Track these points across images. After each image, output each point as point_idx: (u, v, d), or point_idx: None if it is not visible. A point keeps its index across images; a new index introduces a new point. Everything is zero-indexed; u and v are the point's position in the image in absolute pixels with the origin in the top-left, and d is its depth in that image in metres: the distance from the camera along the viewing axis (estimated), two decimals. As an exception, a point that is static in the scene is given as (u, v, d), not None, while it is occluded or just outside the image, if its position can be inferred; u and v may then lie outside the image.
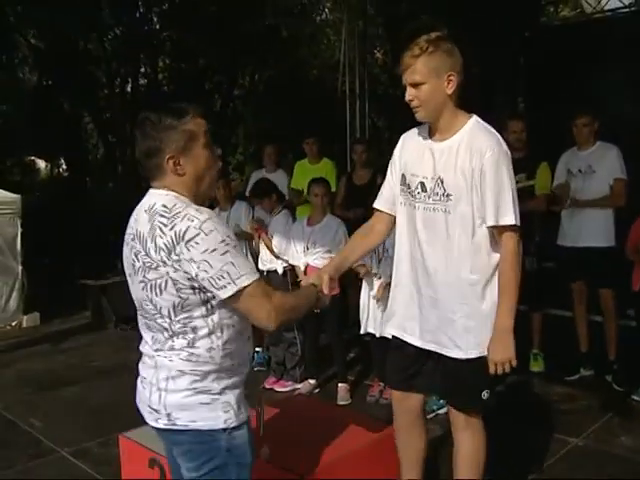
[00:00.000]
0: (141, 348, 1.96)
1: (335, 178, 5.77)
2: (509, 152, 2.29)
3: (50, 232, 9.25)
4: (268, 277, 4.61)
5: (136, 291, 1.86)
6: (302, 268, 4.33)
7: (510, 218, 2.24)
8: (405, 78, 2.25)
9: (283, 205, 4.89)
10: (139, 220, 1.81)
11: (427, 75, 2.21)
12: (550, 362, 4.71)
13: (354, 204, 5.09)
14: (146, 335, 1.91)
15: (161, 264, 1.73)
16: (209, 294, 1.75)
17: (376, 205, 2.57)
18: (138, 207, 1.87)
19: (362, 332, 4.22)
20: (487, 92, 9.33)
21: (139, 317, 1.92)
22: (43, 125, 11.70)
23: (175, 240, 1.69)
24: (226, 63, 12.27)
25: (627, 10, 7.39)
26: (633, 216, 4.27)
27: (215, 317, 1.79)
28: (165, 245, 1.71)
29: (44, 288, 7.19)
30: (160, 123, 1.78)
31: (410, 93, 2.26)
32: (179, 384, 1.79)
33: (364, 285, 4.15)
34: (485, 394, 2.37)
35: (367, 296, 4.12)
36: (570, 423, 3.83)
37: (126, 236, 1.88)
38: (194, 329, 1.78)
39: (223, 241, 1.70)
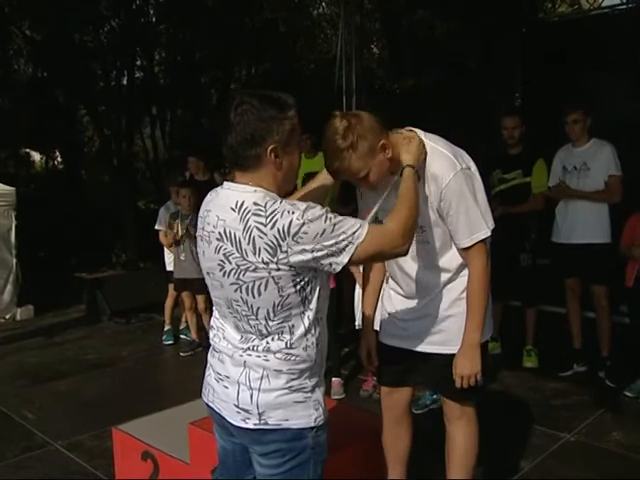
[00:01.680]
0: (217, 345, 1.88)
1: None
2: (464, 165, 2.22)
3: (45, 225, 9.24)
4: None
5: (225, 292, 1.77)
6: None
7: (482, 233, 2.24)
8: (349, 179, 2.16)
9: None
10: (226, 219, 1.71)
11: (366, 165, 2.09)
12: (544, 358, 4.73)
13: (349, 197, 5.08)
14: (230, 332, 1.83)
15: (262, 265, 1.67)
16: (308, 289, 1.73)
17: None
18: (217, 202, 1.79)
19: (357, 326, 4.22)
20: (484, 88, 9.33)
21: (225, 314, 1.84)
22: (38, 117, 11.64)
23: (280, 237, 1.64)
24: (222, 57, 12.23)
25: (624, 7, 7.39)
26: (629, 213, 4.28)
27: (311, 314, 1.77)
28: (268, 245, 1.65)
29: (38, 281, 7.18)
30: (264, 112, 1.70)
31: (362, 186, 2.23)
32: (275, 384, 1.76)
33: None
34: (481, 380, 2.38)
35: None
36: (562, 419, 3.86)
37: (204, 232, 1.80)
38: (291, 328, 1.75)
39: (327, 219, 1.68)
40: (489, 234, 2.27)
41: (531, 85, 7.55)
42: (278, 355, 1.75)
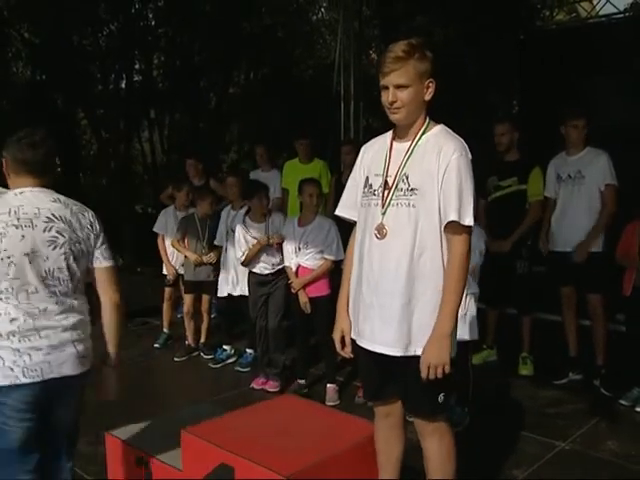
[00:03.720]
0: (42, 323, 2.24)
1: (329, 178, 5.75)
2: (471, 157, 2.30)
3: (42, 228, 9.20)
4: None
5: (51, 263, 2.23)
6: (294, 269, 4.32)
7: (470, 220, 2.25)
8: (389, 80, 2.26)
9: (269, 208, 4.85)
10: (51, 207, 2.26)
11: (413, 79, 2.25)
12: (539, 366, 4.72)
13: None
14: (48, 302, 2.25)
15: (84, 237, 2.33)
16: None
17: (350, 216, 2.52)
18: (29, 199, 2.25)
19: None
20: (482, 94, 9.35)
21: (41, 293, 2.23)
22: (36, 120, 11.63)
23: (93, 218, 2.40)
24: (221, 61, 12.24)
25: (622, 16, 7.44)
26: (625, 221, 4.28)
27: None
28: (90, 223, 2.37)
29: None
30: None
31: (393, 95, 2.27)
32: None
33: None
34: (441, 397, 2.32)
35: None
36: (557, 427, 3.85)
37: (20, 221, 2.18)
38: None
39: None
40: (471, 224, 2.25)
41: (529, 92, 7.59)
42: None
